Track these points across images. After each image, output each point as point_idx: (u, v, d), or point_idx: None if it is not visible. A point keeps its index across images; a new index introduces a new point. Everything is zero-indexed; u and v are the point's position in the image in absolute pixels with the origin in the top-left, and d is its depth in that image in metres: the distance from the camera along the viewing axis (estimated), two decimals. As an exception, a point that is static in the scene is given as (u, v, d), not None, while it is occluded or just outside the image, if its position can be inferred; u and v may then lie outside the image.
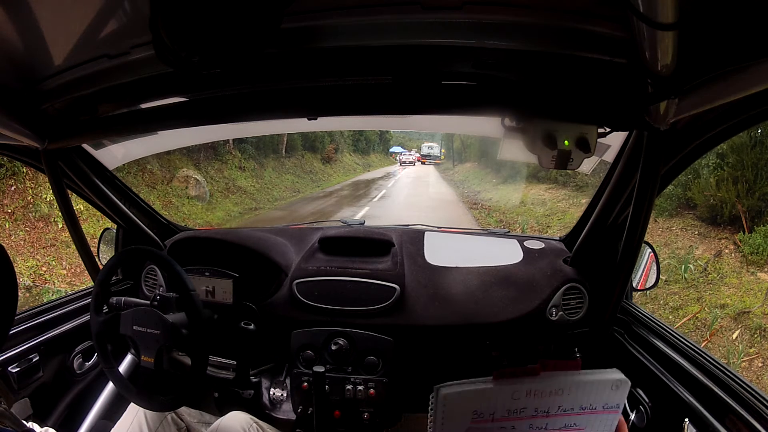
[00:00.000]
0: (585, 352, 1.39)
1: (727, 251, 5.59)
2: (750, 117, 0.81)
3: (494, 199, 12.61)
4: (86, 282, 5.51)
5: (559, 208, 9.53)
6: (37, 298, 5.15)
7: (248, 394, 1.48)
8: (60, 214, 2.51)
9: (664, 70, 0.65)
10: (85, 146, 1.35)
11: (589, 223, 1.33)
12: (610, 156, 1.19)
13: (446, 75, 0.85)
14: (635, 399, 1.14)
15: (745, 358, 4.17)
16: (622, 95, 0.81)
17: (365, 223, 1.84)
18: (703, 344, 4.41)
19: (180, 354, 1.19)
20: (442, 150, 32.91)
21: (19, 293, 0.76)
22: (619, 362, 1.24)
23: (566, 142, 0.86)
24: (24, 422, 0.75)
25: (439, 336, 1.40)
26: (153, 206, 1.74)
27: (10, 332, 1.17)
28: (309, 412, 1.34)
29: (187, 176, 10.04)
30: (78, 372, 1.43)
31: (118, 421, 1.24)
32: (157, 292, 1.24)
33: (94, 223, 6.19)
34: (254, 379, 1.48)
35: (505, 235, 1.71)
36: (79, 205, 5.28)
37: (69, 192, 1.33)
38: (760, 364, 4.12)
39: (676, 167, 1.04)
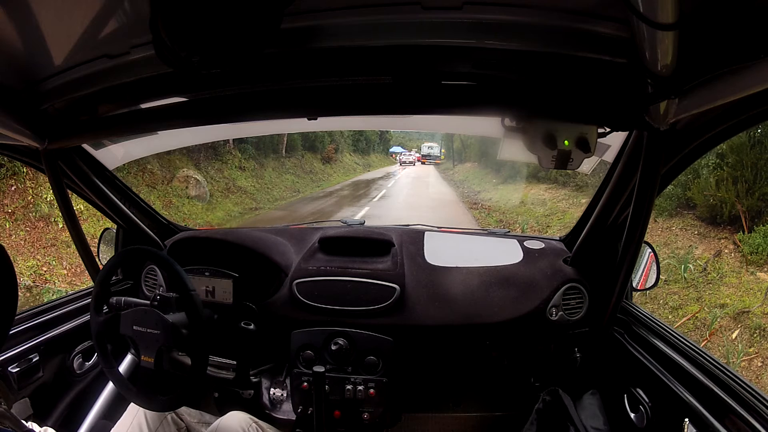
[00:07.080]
0: (585, 352, 1.39)
1: (726, 251, 5.59)
2: (750, 117, 0.81)
3: (494, 199, 12.60)
4: (86, 282, 5.51)
5: (559, 208, 9.53)
6: (37, 298, 5.15)
7: (248, 394, 1.48)
8: (60, 214, 2.51)
9: (664, 70, 0.65)
10: (85, 146, 1.35)
11: (589, 223, 1.33)
12: (610, 156, 1.19)
13: (446, 75, 0.85)
14: (635, 399, 1.13)
15: (744, 358, 4.17)
16: (622, 95, 0.81)
17: (365, 223, 1.84)
18: (703, 344, 4.41)
19: (180, 354, 1.19)
20: (442, 150, 32.88)
21: (19, 293, 0.76)
22: (619, 362, 1.24)
23: (566, 142, 0.86)
24: (24, 422, 0.75)
25: (439, 336, 1.40)
26: (153, 206, 1.74)
27: (10, 332, 1.17)
28: (309, 412, 1.34)
29: (187, 176, 10.04)
30: (78, 372, 1.42)
31: (118, 421, 1.24)
32: (157, 292, 1.24)
33: (94, 223, 6.19)
34: (254, 379, 1.48)
35: (505, 235, 1.70)
36: (79, 205, 5.27)
37: (69, 192, 1.33)
38: (759, 364, 4.12)
39: (676, 167, 1.04)
